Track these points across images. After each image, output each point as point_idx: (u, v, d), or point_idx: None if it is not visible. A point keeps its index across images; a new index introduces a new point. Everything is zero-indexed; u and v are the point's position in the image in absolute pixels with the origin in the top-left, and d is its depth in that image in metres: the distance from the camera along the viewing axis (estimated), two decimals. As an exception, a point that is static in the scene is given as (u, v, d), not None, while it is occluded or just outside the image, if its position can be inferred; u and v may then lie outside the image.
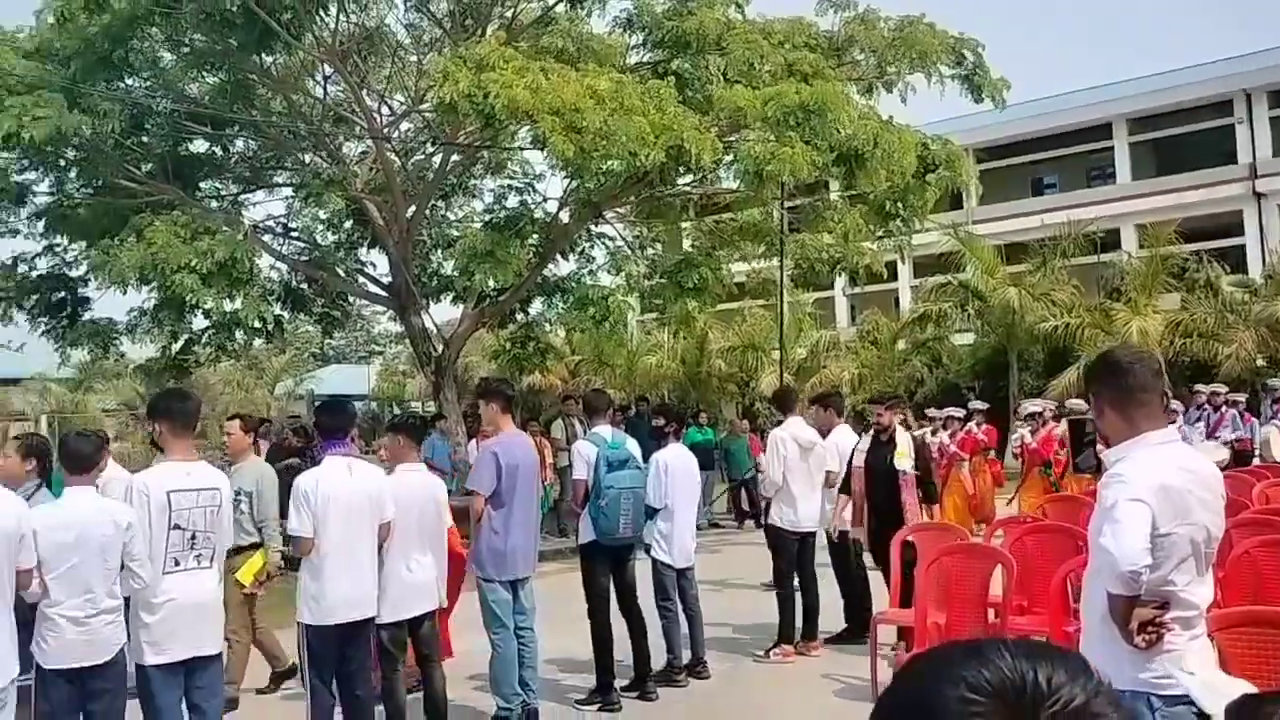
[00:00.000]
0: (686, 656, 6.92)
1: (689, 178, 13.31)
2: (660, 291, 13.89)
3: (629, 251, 16.03)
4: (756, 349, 22.32)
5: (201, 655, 4.61)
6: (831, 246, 14.50)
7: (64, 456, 4.77)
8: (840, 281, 21.29)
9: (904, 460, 7.30)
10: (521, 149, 13.71)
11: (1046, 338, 21.40)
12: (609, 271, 15.34)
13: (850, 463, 7.64)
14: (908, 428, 8.81)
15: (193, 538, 4.61)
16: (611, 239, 15.90)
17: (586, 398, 7.06)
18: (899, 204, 13.54)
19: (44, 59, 12.07)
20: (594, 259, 16.01)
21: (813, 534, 7.74)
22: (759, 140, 11.27)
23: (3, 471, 5.39)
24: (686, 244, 16.37)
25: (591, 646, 6.44)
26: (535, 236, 13.93)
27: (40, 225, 13.94)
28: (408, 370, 33.21)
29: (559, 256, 14.88)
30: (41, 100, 10.71)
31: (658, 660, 6.72)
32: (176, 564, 4.55)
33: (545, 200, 15.27)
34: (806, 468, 7.52)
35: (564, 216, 14.61)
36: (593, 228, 15.40)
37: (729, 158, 12.08)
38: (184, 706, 4.62)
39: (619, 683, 6.47)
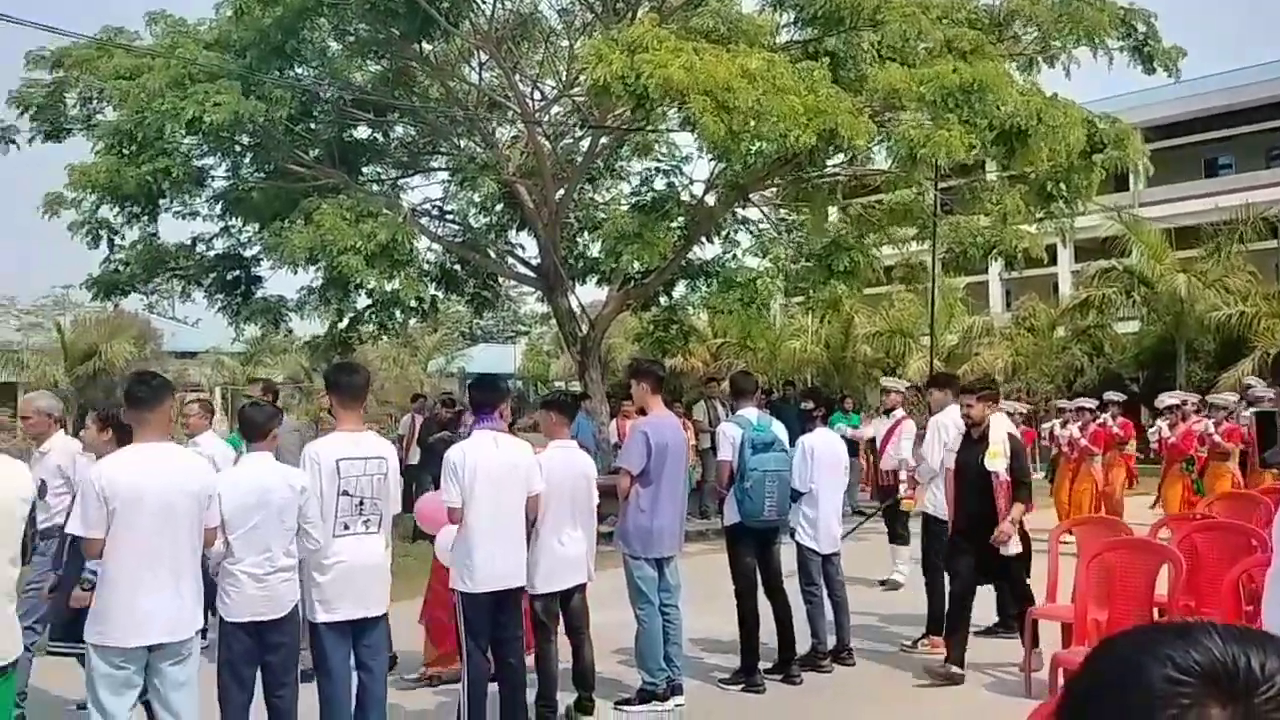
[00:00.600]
0: (831, 642, 6.87)
1: (838, 159, 13.10)
2: (808, 275, 13.74)
3: (774, 234, 15.91)
4: (904, 334, 21.84)
5: (369, 616, 4.85)
6: (987, 229, 14.02)
7: (241, 425, 5.08)
8: (995, 266, 20.59)
9: (997, 460, 6.39)
10: (670, 131, 13.74)
11: (1219, 327, 20.20)
12: (755, 254, 15.24)
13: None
14: (1029, 421, 8.35)
15: (360, 503, 4.85)
16: (756, 222, 15.80)
17: (734, 379, 7.05)
18: (1061, 185, 12.99)
19: (223, 50, 12.81)
20: (738, 242, 15.99)
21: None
22: (913, 122, 11.00)
23: (87, 442, 5.79)
24: (832, 226, 16.12)
25: (737, 627, 6.47)
26: (681, 219, 13.98)
27: (218, 208, 14.78)
28: (552, 350, 33.89)
29: (704, 239, 14.89)
30: (221, 88, 11.38)
31: (802, 645, 6.69)
32: (346, 528, 4.79)
33: (691, 183, 15.31)
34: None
35: (710, 199, 14.60)
36: (738, 210, 15.34)
37: (881, 139, 11.83)
38: (352, 663, 4.86)
39: (763, 665, 6.48)
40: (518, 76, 14.42)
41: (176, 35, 13.43)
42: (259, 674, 4.70)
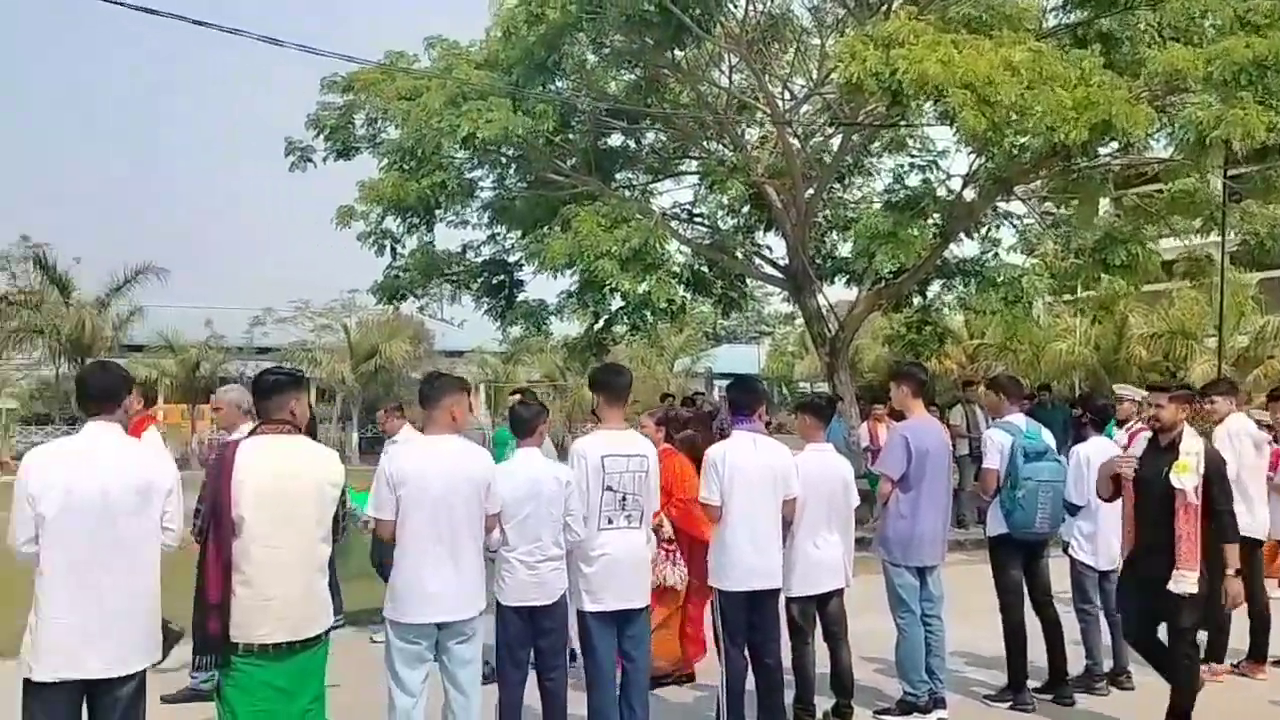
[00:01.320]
0: (1107, 665, 6.43)
1: (1112, 147, 12.23)
2: (1079, 271, 12.91)
3: (1040, 229, 15.07)
4: (1186, 336, 20.08)
5: (632, 608, 5.02)
6: (1287, 218, 12.67)
7: (512, 423, 5.37)
8: (1295, 259, 18.54)
9: (1186, 476, 5.26)
10: (926, 125, 13.32)
11: None
12: (1018, 251, 14.49)
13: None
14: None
15: (623, 499, 5.03)
16: (1020, 217, 15.02)
17: (1001, 383, 6.71)
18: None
19: (492, 68, 13.61)
20: (999, 239, 15.27)
21: (1260, 542, 6.87)
22: (1200, 104, 10.10)
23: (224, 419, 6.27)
24: (1103, 219, 15.06)
25: (1003, 643, 6.18)
26: (937, 216, 13.51)
27: (486, 217, 15.71)
28: (796, 351, 33.69)
29: (962, 236, 14.32)
30: (492, 105, 12.10)
31: (1074, 665, 6.31)
32: (610, 522, 4.99)
33: (948, 178, 14.75)
34: (1260, 466, 6.68)
35: (968, 195, 14.02)
36: (999, 205, 14.65)
37: (1162, 124, 10.93)
38: (616, 653, 5.05)
39: (1031, 684, 6.17)
40: (767, 77, 14.42)
41: (451, 57, 14.39)
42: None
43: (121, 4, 8.55)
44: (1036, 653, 6.22)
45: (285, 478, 3.99)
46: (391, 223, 14.99)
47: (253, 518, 3.90)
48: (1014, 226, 14.98)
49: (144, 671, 3.83)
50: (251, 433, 4.19)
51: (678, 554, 6.28)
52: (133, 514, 3.76)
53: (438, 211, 14.86)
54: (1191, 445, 5.34)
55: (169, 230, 63.58)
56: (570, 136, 14.69)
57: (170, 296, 28.82)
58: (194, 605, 3.88)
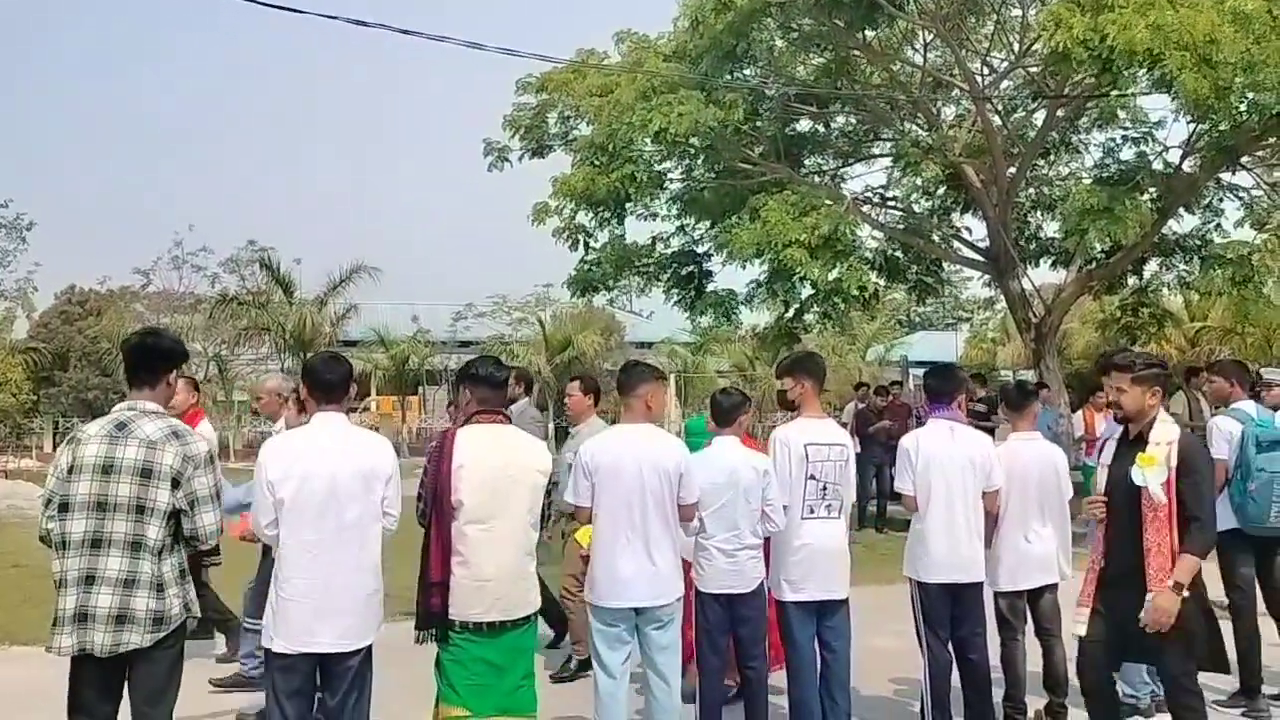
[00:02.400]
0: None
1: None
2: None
3: (1269, 202, 13.87)
4: None
5: (833, 598, 4.98)
6: None
7: (712, 411, 5.40)
8: None
9: (1151, 471, 4.20)
10: (1140, 95, 12.49)
11: None
12: (1248, 226, 13.39)
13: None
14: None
15: (824, 488, 4.99)
16: (1249, 189, 13.87)
17: (1228, 368, 6.24)
18: None
19: (680, 60, 13.72)
20: (1223, 212, 14.16)
21: None
22: None
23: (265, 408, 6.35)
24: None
25: (1234, 646, 5.75)
26: (1153, 190, 12.67)
27: (674, 208, 15.86)
28: (997, 337, 32.33)
29: (1181, 211, 13.37)
30: (682, 98, 12.20)
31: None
32: (811, 511, 4.96)
33: (1165, 150, 13.80)
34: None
35: (1188, 166, 13.07)
36: (1224, 177, 13.57)
37: None
38: (815, 644, 5.02)
39: (1267, 690, 5.72)
40: (965, 52, 13.90)
41: (640, 51, 14.60)
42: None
43: (334, 18, 9.18)
44: (1273, 658, 5.76)
45: (499, 465, 4.19)
46: (584, 217, 15.35)
47: (470, 502, 4.12)
48: (1239, 199, 13.84)
49: (370, 645, 4.09)
50: (466, 420, 4.38)
51: None
52: (357, 498, 4.02)
53: (628, 205, 15.09)
54: (1162, 434, 4.27)
55: (380, 231, 67.46)
56: (758, 124, 14.63)
57: (381, 294, 30.60)
58: (418, 583, 4.13)
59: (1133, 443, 4.35)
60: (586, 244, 15.67)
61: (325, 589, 3.95)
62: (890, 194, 16.37)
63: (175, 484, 3.75)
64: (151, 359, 3.94)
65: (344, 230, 71.16)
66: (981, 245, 15.14)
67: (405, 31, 9.42)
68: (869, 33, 13.41)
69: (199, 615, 3.99)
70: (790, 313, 15.05)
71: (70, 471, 3.72)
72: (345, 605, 3.98)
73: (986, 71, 14.40)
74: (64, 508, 3.70)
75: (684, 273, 16.18)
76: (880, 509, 13.01)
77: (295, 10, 8.66)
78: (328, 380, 4.18)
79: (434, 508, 4.12)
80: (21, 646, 6.99)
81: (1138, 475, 4.18)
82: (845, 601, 5.08)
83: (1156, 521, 4.15)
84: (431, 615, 4.08)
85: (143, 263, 30.69)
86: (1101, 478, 4.47)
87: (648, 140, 12.99)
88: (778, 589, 5.01)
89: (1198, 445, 4.48)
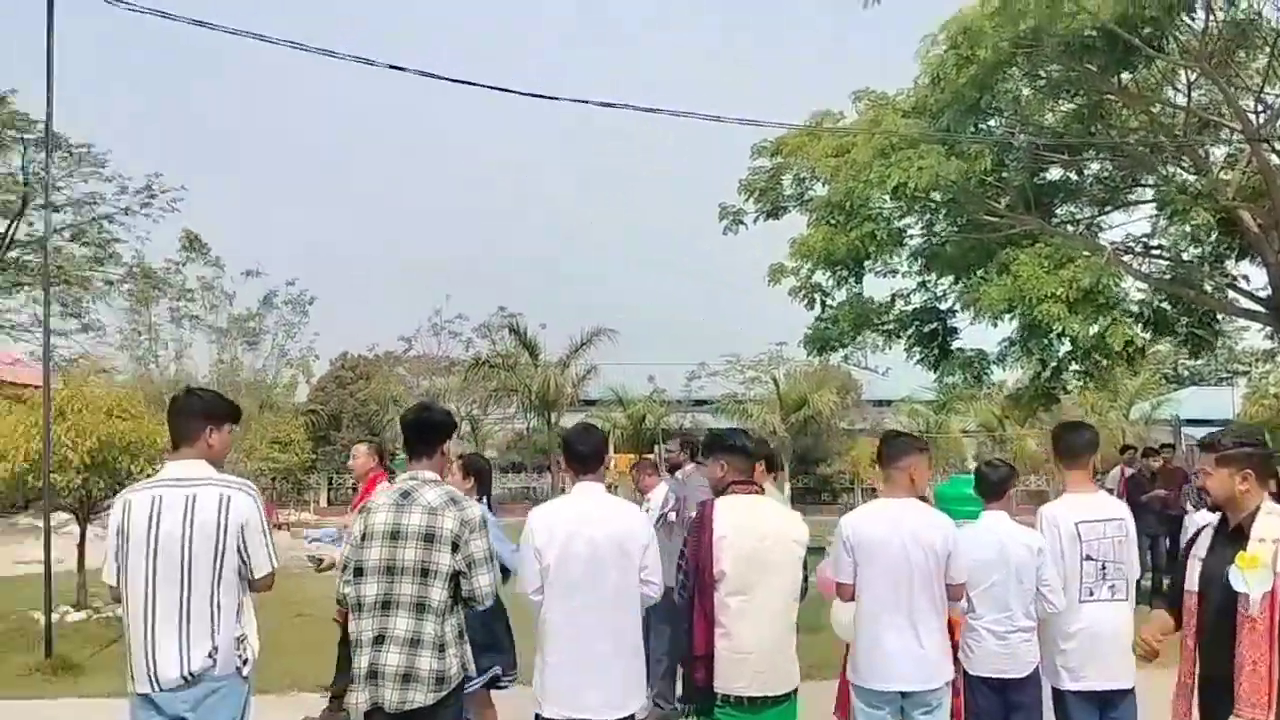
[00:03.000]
0: None
1: None
2: None
3: None
4: None
5: (1118, 688, 4.60)
6: None
7: (977, 484, 5.12)
8: None
9: (1254, 575, 3.44)
10: None
11: None
12: None
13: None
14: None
15: (1103, 568, 4.64)
16: None
17: None
18: None
19: (920, 115, 13.49)
20: None
21: None
22: None
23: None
24: None
25: None
26: None
27: (915, 265, 15.50)
28: (1281, 393, 29.25)
29: None
30: (922, 153, 11.98)
31: None
32: (1090, 594, 4.62)
33: None
34: None
35: None
36: None
37: None
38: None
39: None
40: (1235, 90, 12.87)
41: (878, 109, 14.50)
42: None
43: (585, 102, 9.68)
44: None
45: (759, 536, 4.18)
46: (821, 276, 15.28)
47: (731, 572, 4.12)
48: None
49: (632, 714, 4.13)
50: (721, 491, 4.40)
51: None
52: (615, 566, 4.10)
53: (866, 262, 14.92)
54: (1268, 529, 3.49)
55: (615, 295, 69.80)
56: (1004, 175, 14.13)
57: (618, 355, 31.54)
58: (683, 655, 4.16)
59: (1232, 536, 3.63)
60: (823, 302, 15.57)
61: (587, 655, 4.03)
62: (1155, 242, 15.30)
63: (455, 547, 3.96)
64: (426, 432, 4.23)
65: (584, 295, 74.13)
66: (1261, 294, 13.84)
67: (649, 110, 9.79)
68: (1125, 75, 12.71)
69: (474, 674, 4.18)
70: (1047, 371, 14.26)
71: (363, 539, 4.01)
72: (605, 672, 4.05)
73: (1261, 109, 13.26)
74: (359, 572, 4.00)
75: (926, 330, 15.73)
76: (1155, 584, 11.94)
77: (546, 97, 9.19)
78: (581, 452, 4.31)
79: (696, 579, 4.15)
80: (307, 693, 7.53)
81: (1236, 579, 3.46)
82: (1131, 691, 4.68)
83: (1254, 635, 3.40)
84: (696, 690, 4.08)
85: (406, 330, 33.08)
86: (1193, 572, 3.73)
87: (886, 197, 12.84)
88: (1054, 676, 4.69)
89: None
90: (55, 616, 9.03)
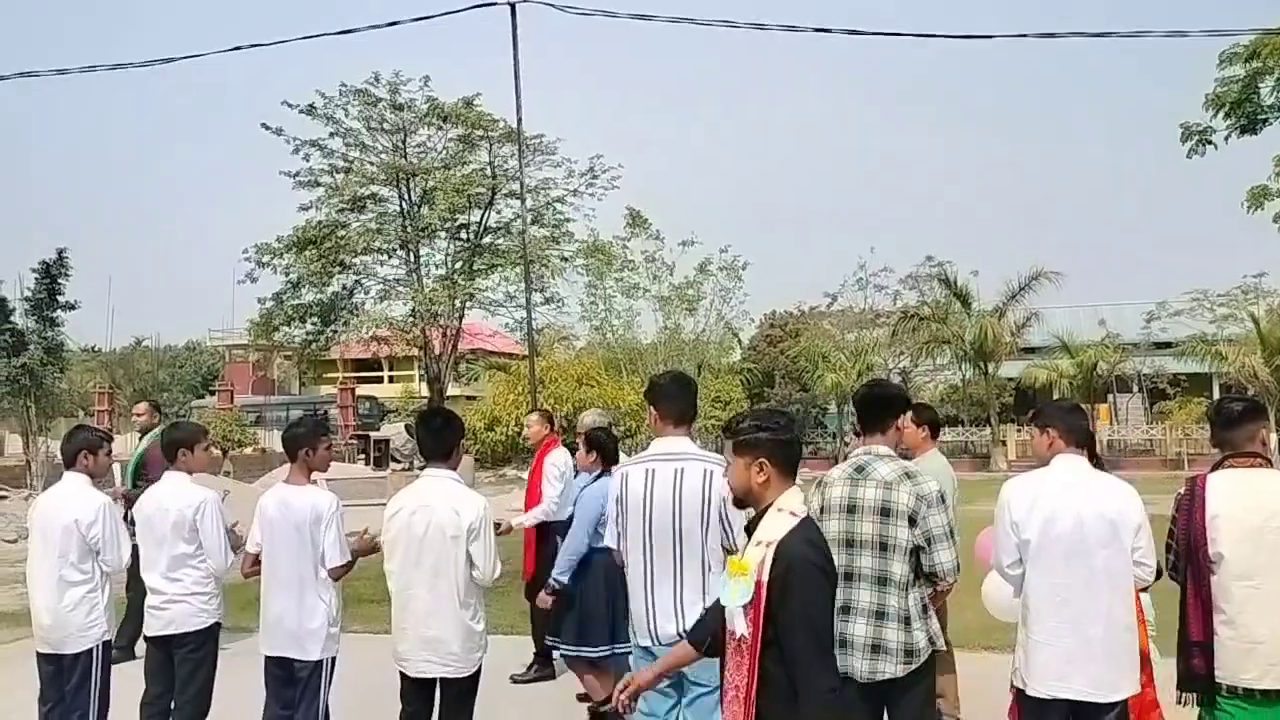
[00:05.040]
0: None
1: None
2: None
3: None
4: None
5: None
6: None
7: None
8: None
9: (741, 585, 2.80)
10: None
11: None
12: None
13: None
14: None
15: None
16: None
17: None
18: None
19: None
20: None
21: None
22: None
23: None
24: None
25: None
26: None
27: None
28: None
29: None
30: None
31: None
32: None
33: None
34: None
35: None
36: None
37: None
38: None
39: None
40: None
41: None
42: None
43: (1019, 35, 9.02)
44: None
45: (1264, 515, 3.69)
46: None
47: (1231, 555, 3.69)
48: None
49: (1125, 700, 3.84)
50: (1216, 465, 3.95)
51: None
52: (1105, 545, 3.82)
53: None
54: (772, 528, 2.92)
55: (1059, 233, 64.97)
56: None
57: (1063, 298, 29.39)
58: (1177, 641, 3.82)
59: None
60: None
61: (1075, 636, 3.82)
62: None
63: (912, 521, 3.93)
64: (877, 407, 4.25)
65: (1021, 237, 69.88)
66: None
67: (1100, 35, 8.90)
68: None
69: (942, 647, 4.14)
70: None
71: (821, 512, 4.11)
72: (1098, 655, 3.81)
73: None
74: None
75: None
76: None
77: (980, 37, 8.70)
78: (1082, 425, 4.08)
79: (1188, 561, 3.76)
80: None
81: (723, 589, 2.93)
82: None
83: (739, 655, 2.89)
84: (1194, 677, 3.72)
85: (831, 286, 33.30)
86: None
87: None
88: None
89: None
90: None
